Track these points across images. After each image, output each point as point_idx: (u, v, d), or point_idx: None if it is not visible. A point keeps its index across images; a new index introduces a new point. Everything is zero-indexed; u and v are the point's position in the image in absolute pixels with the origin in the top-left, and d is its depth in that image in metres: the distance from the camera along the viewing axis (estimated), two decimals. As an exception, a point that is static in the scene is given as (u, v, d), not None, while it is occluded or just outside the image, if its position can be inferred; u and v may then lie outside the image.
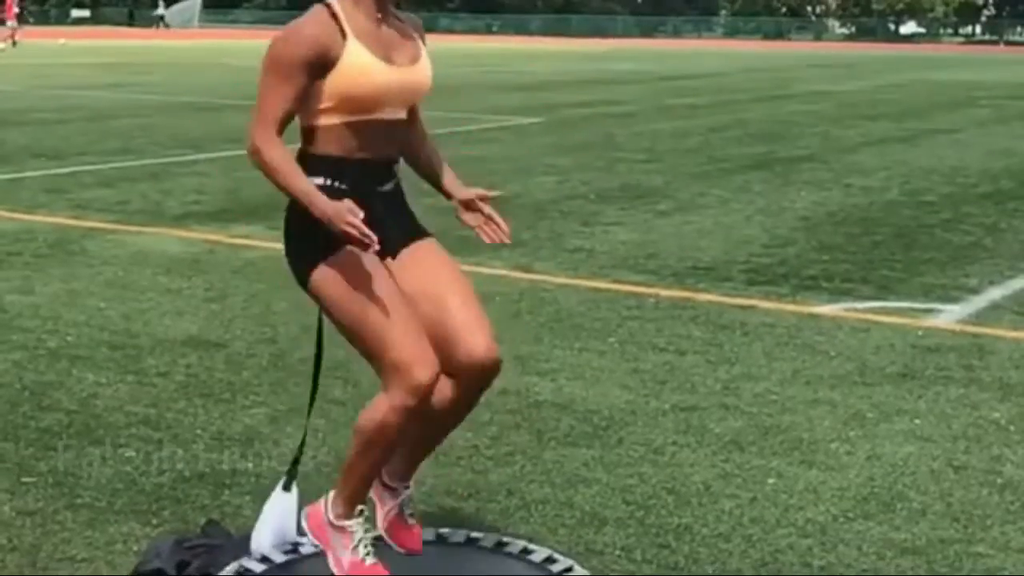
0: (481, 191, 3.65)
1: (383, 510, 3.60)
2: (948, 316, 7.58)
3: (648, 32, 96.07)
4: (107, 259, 8.83)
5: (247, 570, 3.64)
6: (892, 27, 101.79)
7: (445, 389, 3.40)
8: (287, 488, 3.81)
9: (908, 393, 6.00)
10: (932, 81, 34.78)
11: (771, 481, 4.86)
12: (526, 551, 3.67)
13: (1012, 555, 4.23)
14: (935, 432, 5.45)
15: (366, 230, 3.22)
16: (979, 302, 7.97)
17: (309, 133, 3.43)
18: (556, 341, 6.81)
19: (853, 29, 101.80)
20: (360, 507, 3.45)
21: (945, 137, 18.84)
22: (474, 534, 3.88)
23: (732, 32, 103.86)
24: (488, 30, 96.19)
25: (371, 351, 3.30)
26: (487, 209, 3.61)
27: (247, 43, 57.09)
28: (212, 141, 16.58)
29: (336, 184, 3.40)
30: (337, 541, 3.44)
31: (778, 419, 5.59)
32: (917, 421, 5.60)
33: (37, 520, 4.37)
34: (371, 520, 3.56)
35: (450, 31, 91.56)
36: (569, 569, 3.50)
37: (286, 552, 3.74)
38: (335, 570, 3.43)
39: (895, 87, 31.57)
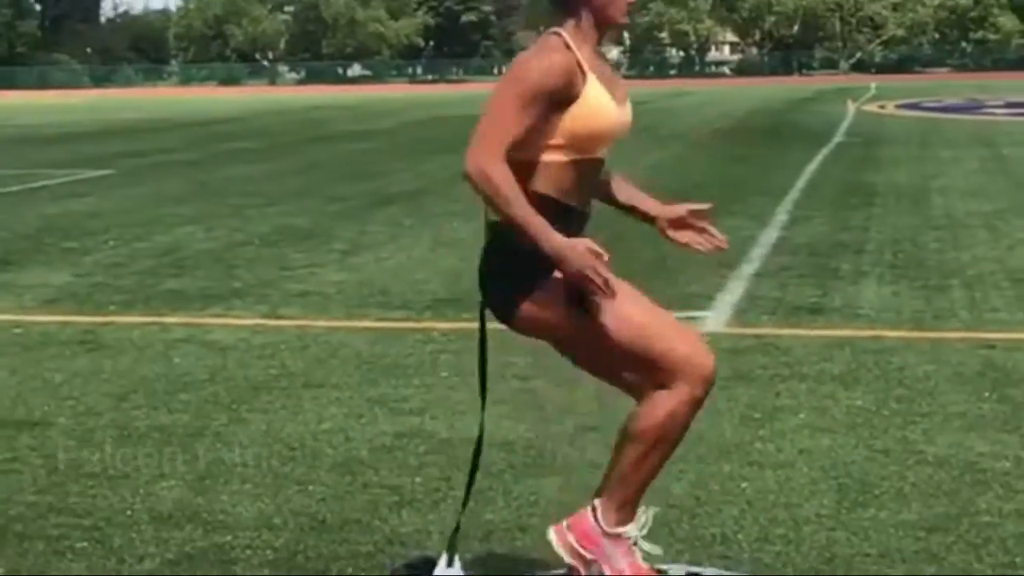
0: (689, 206, 3.59)
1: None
2: (714, 322, 8.01)
3: (100, 82, 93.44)
4: None
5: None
6: (340, 71, 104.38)
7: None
8: (450, 564, 3.61)
9: (763, 392, 6.32)
10: (450, 116, 35.97)
11: (744, 485, 5.01)
12: None
13: (1016, 519, 4.58)
14: (828, 424, 5.79)
15: (610, 276, 3.12)
16: (723, 308, 8.46)
17: (525, 168, 3.26)
18: (393, 381, 6.66)
19: (304, 73, 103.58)
20: (636, 512, 3.32)
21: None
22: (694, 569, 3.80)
23: (187, 80, 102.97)
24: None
25: (648, 353, 3.20)
26: (702, 223, 3.56)
27: None
28: None
29: (555, 225, 3.25)
30: (612, 549, 3.32)
31: (681, 429, 5.74)
32: (802, 416, 5.93)
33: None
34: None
35: None
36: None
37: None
38: None
39: (424, 123, 32.50)
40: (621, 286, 3.28)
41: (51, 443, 5.72)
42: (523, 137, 3.22)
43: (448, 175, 17.62)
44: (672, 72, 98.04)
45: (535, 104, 3.20)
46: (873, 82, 52.91)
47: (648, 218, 3.65)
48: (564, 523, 3.39)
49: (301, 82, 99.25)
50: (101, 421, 6.06)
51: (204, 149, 23.30)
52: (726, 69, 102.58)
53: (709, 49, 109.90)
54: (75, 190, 16.76)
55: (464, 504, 3.73)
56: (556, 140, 3.25)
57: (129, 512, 4.84)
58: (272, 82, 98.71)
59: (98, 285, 9.69)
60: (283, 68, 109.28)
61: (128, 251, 11.35)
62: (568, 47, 3.25)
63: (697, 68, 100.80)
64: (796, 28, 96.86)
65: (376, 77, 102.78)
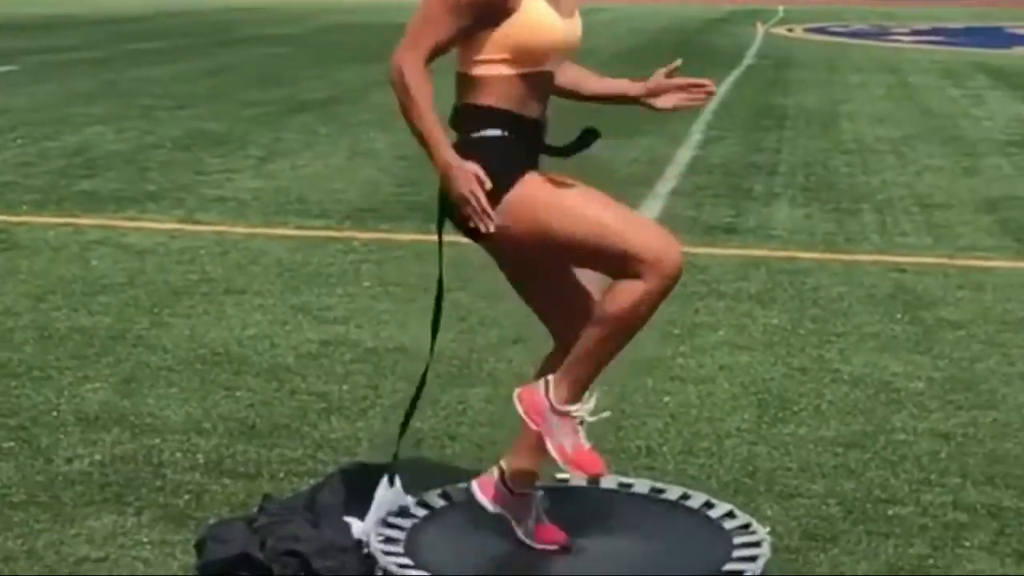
0: (664, 69, 3.56)
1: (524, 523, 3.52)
2: (632, 239, 8.08)
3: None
4: None
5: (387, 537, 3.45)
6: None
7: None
8: (392, 484, 3.65)
9: (682, 309, 6.39)
10: (360, 24, 35.47)
11: (667, 399, 5.12)
12: (708, 504, 3.71)
13: (929, 437, 4.73)
14: (747, 342, 5.91)
15: (487, 206, 3.17)
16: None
17: (474, 83, 3.29)
18: (315, 290, 6.66)
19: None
20: (587, 393, 3.38)
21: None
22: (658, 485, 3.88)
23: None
24: None
25: (614, 246, 3.19)
26: (680, 80, 3.53)
27: None
28: None
29: (513, 137, 3.29)
30: (559, 427, 3.35)
31: (602, 343, 5.82)
32: (721, 333, 6.04)
33: (-5, 526, 3.87)
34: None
35: None
36: (747, 526, 3.57)
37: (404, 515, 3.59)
38: (556, 456, 3.36)
39: (334, 30, 32.03)
40: (584, 190, 3.32)
41: (-30, 343, 5.67)
42: (450, 46, 3.24)
43: (362, 84, 17.47)
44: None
45: (465, 12, 3.20)
46: (781, 5, 53.08)
47: (628, 99, 3.62)
48: (517, 392, 3.41)
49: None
50: (20, 321, 6.01)
51: (111, 48, 22.80)
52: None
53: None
54: (-24, 86, 16.36)
55: (403, 428, 3.76)
56: (499, 54, 3.26)
57: (55, 413, 4.83)
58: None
59: (8, 184, 9.52)
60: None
61: (37, 150, 11.15)
62: None
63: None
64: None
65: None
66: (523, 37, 3.24)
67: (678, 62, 3.57)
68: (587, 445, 3.39)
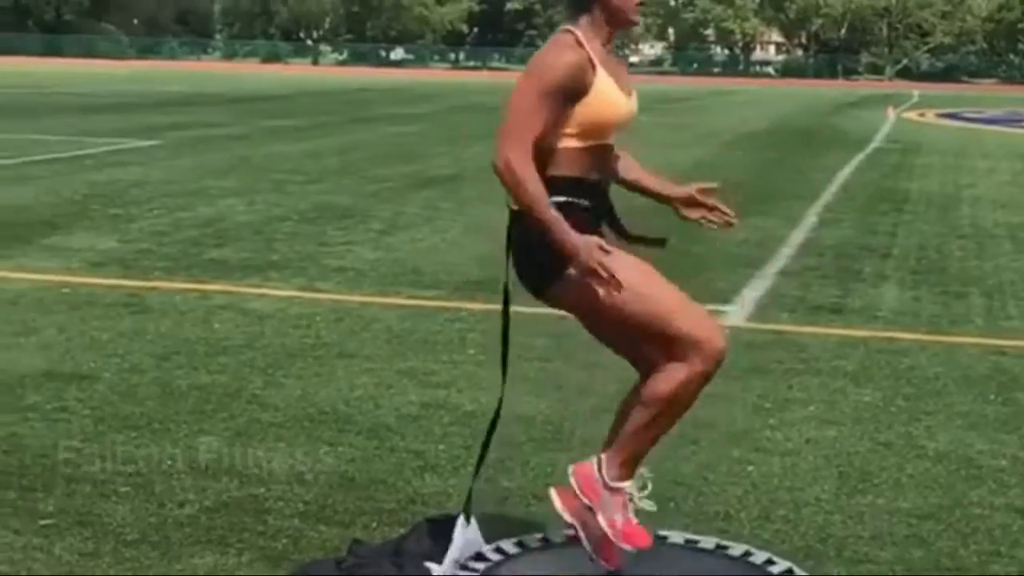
0: (699, 185, 3.89)
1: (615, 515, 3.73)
2: (736, 316, 8.27)
3: (144, 53, 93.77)
4: None
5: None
6: (383, 53, 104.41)
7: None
8: (468, 522, 3.91)
9: (776, 384, 6.58)
10: (492, 105, 36.19)
11: (750, 469, 5.29)
12: (747, 554, 3.90)
13: (1005, 512, 4.84)
14: (835, 416, 6.05)
15: (614, 270, 3.41)
16: (747, 304, 8.71)
17: (546, 155, 3.57)
18: (422, 355, 6.95)
19: (346, 55, 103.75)
20: (638, 471, 3.62)
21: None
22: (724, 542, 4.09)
23: (230, 55, 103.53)
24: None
25: (665, 327, 3.48)
26: (711, 200, 3.85)
27: None
28: None
29: (579, 201, 3.55)
30: (609, 502, 3.61)
31: (694, 414, 5.98)
32: (811, 408, 6.19)
33: (109, 560, 4.18)
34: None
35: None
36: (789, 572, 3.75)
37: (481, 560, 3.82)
38: (607, 529, 3.63)
39: (466, 110, 32.77)
40: (642, 267, 3.57)
41: (97, 396, 6.04)
42: (547, 132, 3.52)
43: (487, 162, 17.84)
44: (716, 70, 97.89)
45: (553, 99, 3.51)
46: (917, 89, 52.90)
47: (660, 198, 3.95)
48: (571, 467, 3.67)
49: (343, 63, 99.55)
50: (144, 378, 6.38)
51: (248, 124, 23.66)
52: (771, 69, 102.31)
53: (754, 48, 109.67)
54: (121, 159, 17.12)
55: (476, 471, 4.02)
56: (571, 128, 3.57)
57: (170, 462, 5.16)
58: (315, 61, 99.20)
59: (143, 252, 10.02)
60: (326, 48, 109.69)
61: (172, 220, 11.69)
62: (580, 44, 3.56)
63: (741, 67, 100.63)
64: (843, 31, 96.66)
65: (418, 61, 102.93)
66: (595, 114, 3.55)
67: (715, 184, 3.90)
68: (635, 520, 3.64)
